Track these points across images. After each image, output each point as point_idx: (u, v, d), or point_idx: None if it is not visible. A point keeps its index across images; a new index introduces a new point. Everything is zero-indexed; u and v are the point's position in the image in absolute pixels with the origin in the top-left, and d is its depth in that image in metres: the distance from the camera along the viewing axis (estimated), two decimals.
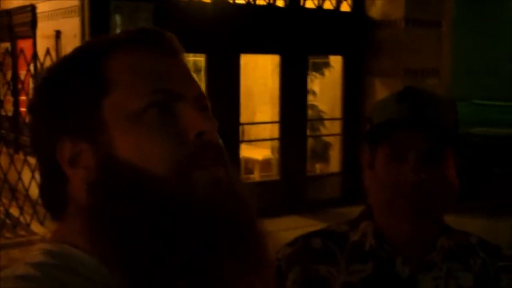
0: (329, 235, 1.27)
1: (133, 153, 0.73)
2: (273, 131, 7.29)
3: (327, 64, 7.49)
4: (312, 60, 7.26)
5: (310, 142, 7.28)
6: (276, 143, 7.20)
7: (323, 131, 7.54)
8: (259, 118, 7.87)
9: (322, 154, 7.51)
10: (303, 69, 6.99)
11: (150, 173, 0.72)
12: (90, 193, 0.74)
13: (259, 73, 7.92)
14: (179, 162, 0.73)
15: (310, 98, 7.37)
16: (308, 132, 7.18)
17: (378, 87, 7.14)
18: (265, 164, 7.57)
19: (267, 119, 7.54)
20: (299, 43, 6.79)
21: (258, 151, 7.62)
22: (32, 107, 0.81)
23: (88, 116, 0.76)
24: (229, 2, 6.33)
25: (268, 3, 6.65)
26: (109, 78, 0.76)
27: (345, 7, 7.07)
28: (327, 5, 7.04)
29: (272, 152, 7.45)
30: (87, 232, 0.74)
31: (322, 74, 7.56)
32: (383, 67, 7.14)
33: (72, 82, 0.78)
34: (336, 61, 7.27)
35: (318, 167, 7.54)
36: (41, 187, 0.81)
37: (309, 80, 7.23)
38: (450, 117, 1.19)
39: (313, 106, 7.53)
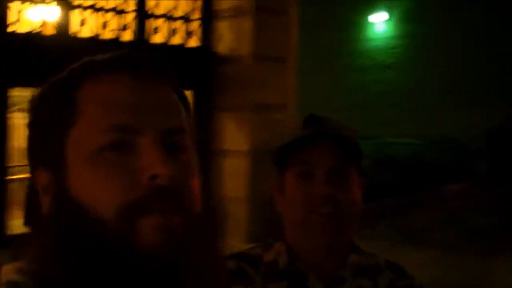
0: (243, 257, 1.34)
1: (83, 191, 0.71)
2: None
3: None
4: None
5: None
6: None
7: None
8: None
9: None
10: None
11: (96, 215, 0.70)
12: (49, 222, 0.74)
13: None
14: (125, 206, 0.70)
15: None
16: None
17: (226, 121, 7.22)
18: None
19: None
20: None
21: None
22: (27, 125, 0.79)
23: (54, 147, 0.74)
24: (70, 36, 6.14)
25: (116, 37, 6.54)
26: (76, 109, 0.74)
27: (192, 43, 7.12)
28: (175, 40, 7.06)
29: None
30: (40, 260, 0.73)
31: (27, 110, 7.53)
32: (231, 102, 7.26)
33: (46, 111, 0.76)
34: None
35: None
36: (25, 202, 0.81)
37: None
38: (353, 136, 1.28)
39: None
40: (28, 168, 0.80)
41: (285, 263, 1.28)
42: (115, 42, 6.67)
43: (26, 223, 0.80)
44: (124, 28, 6.49)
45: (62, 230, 0.72)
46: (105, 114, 0.72)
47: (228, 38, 7.12)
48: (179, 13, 6.94)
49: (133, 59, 0.77)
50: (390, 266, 1.36)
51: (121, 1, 6.40)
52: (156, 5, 6.67)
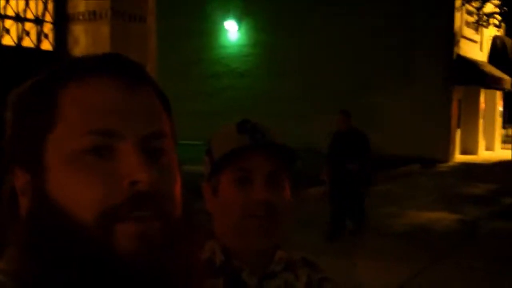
0: None
1: (62, 194, 0.70)
2: None
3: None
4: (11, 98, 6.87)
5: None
6: None
7: None
8: None
9: None
10: (3, 109, 6.58)
11: (74, 218, 0.70)
12: (25, 223, 0.73)
13: None
14: (104, 211, 0.69)
15: None
16: None
17: None
18: None
19: None
20: None
21: None
22: (5, 123, 0.78)
23: (33, 148, 0.73)
24: None
25: None
26: (57, 111, 0.73)
27: (46, 46, 6.87)
28: (27, 43, 6.76)
29: None
30: (18, 259, 0.72)
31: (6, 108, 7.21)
32: None
33: (26, 111, 0.74)
34: None
35: None
36: (2, 207, 0.78)
37: None
38: (284, 142, 1.33)
39: None
40: (5, 167, 0.78)
41: (221, 261, 1.32)
42: None
43: (3, 223, 0.77)
44: None
45: (40, 232, 0.71)
46: (86, 118, 0.71)
47: (84, 42, 6.96)
48: (30, 15, 6.65)
49: (116, 62, 0.75)
50: (305, 261, 1.43)
51: None
52: (5, 6, 6.35)
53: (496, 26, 21.50)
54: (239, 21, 20.92)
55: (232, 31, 21.09)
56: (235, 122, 1.36)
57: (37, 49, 6.83)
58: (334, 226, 8.28)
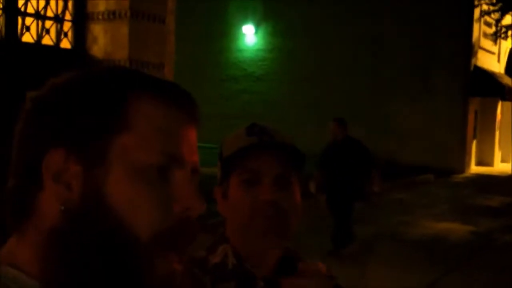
0: (190, 260, 1.29)
1: (121, 203, 0.70)
2: None
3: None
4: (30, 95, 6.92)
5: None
6: None
7: None
8: None
9: None
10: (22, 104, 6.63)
11: (129, 231, 0.70)
12: (63, 216, 0.70)
13: None
14: (161, 232, 0.71)
15: None
16: None
17: None
18: None
19: None
20: (16, 79, 6.43)
21: None
22: (40, 100, 0.75)
23: (95, 143, 0.72)
24: None
25: None
26: (128, 118, 0.73)
27: (65, 44, 6.90)
28: (46, 40, 6.80)
29: None
30: (39, 252, 0.70)
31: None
32: None
33: (93, 101, 0.73)
34: None
35: None
36: (10, 189, 0.74)
37: None
38: (294, 145, 1.32)
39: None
40: (24, 143, 0.74)
41: (234, 264, 1.32)
42: None
43: (11, 207, 0.74)
44: None
45: (85, 229, 0.69)
46: (158, 137, 0.73)
47: (103, 41, 6.99)
48: (50, 12, 6.69)
49: (182, 93, 0.78)
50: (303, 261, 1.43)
51: None
52: (26, 3, 6.39)
53: None
54: (257, 25, 20.94)
55: (249, 35, 21.12)
56: (245, 126, 1.36)
57: (56, 47, 6.87)
58: (341, 235, 7.99)
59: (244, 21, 20.99)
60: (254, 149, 1.29)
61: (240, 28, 21.15)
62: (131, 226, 0.70)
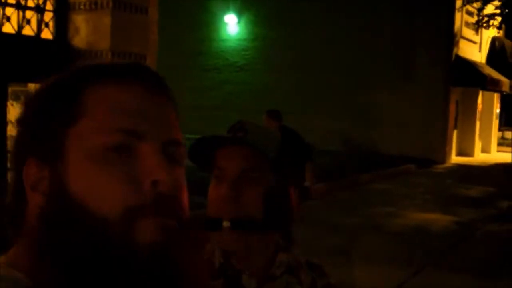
0: None
1: (84, 190, 0.71)
2: None
3: (26, 93, 7.13)
4: (11, 88, 6.84)
5: (9, 175, 6.82)
6: None
7: None
8: None
9: None
10: (2, 97, 6.54)
11: (97, 213, 0.71)
12: (39, 220, 0.73)
13: None
14: (127, 208, 0.71)
15: (10, 128, 6.93)
16: (8, 165, 6.73)
17: None
18: None
19: None
20: None
21: None
22: (18, 119, 0.80)
23: (53, 142, 0.74)
24: None
25: None
26: (81, 108, 0.74)
27: (46, 34, 6.81)
28: (27, 31, 6.71)
29: None
30: (30, 256, 0.73)
31: (22, 102, 7.20)
32: None
33: (49, 103, 0.76)
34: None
35: None
36: (8, 203, 0.79)
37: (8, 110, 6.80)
38: (271, 143, 1.30)
39: (12, 137, 7.09)
40: (12, 164, 0.79)
41: (220, 262, 1.32)
42: None
43: (10, 221, 0.78)
44: None
45: (57, 226, 0.72)
46: (113, 117, 0.74)
47: (85, 32, 6.91)
48: (31, 3, 6.59)
49: (141, 70, 0.79)
50: (310, 265, 1.42)
51: None
52: None
53: (496, 27, 21.48)
54: (239, 14, 20.86)
55: (232, 24, 21.04)
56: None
57: (37, 37, 6.78)
58: None
59: (226, 10, 20.90)
60: (222, 146, 1.30)
61: (222, 17, 21.07)
62: (97, 210, 0.70)
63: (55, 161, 0.74)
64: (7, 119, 6.84)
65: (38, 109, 0.77)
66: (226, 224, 1.25)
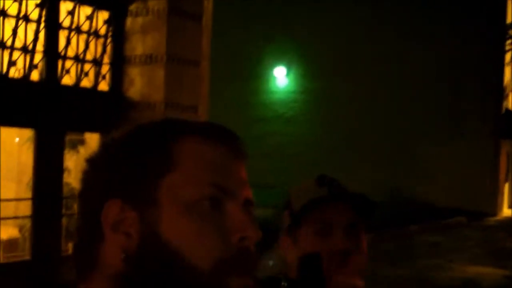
0: None
1: (178, 239, 0.74)
2: (18, 208, 6.94)
3: (82, 142, 7.40)
4: (68, 137, 7.12)
5: (65, 220, 7.04)
6: (24, 222, 6.85)
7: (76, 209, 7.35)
8: (2, 195, 7.43)
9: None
10: (60, 145, 6.81)
11: (190, 263, 0.73)
12: (126, 262, 0.75)
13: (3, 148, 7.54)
14: (221, 261, 0.74)
15: (65, 175, 7.19)
16: (64, 211, 6.95)
17: None
18: (10, 244, 7.14)
19: (11, 196, 7.15)
20: (56, 119, 6.63)
21: (1, 229, 7.15)
22: (94, 160, 0.82)
23: (145, 188, 0.76)
24: None
25: (23, 76, 6.42)
26: (174, 159, 0.78)
27: (103, 86, 7.10)
28: (85, 83, 7.01)
29: (21, 231, 7.05)
30: None
31: (77, 151, 7.46)
32: None
33: (140, 151, 0.79)
34: (92, 138, 7.22)
35: (72, 247, 7.30)
36: (76, 242, 0.81)
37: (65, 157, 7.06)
38: (364, 194, 1.39)
39: (67, 184, 7.34)
40: (84, 203, 0.81)
41: None
42: (24, 81, 6.56)
43: (79, 264, 0.80)
44: (32, 67, 6.36)
45: (148, 269, 0.74)
46: (204, 171, 0.77)
47: (139, 84, 7.17)
48: (89, 56, 6.89)
49: (226, 131, 0.84)
50: None
51: (30, 40, 6.22)
52: (67, 46, 6.60)
53: None
54: (289, 67, 21.13)
55: (281, 77, 21.32)
56: (314, 178, 1.42)
57: (94, 89, 7.07)
58: None
59: (276, 63, 21.20)
60: (326, 200, 1.34)
61: (272, 70, 21.36)
62: (190, 259, 0.73)
63: (147, 206, 0.76)
64: (64, 166, 7.11)
65: (125, 154, 0.80)
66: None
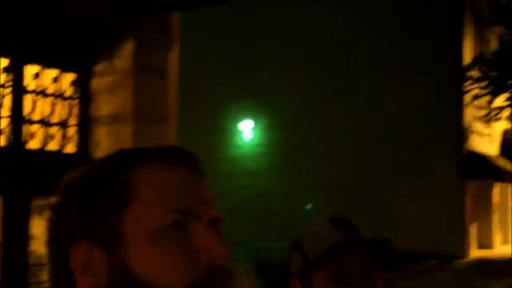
0: None
1: (147, 269, 0.73)
2: None
3: (49, 206, 7.23)
4: (34, 202, 6.93)
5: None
6: None
7: (44, 278, 7.10)
8: None
9: None
10: (26, 211, 6.63)
11: None
12: None
13: None
14: (192, 285, 0.73)
15: (32, 242, 6.97)
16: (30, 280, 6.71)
17: None
18: None
19: None
20: (21, 184, 6.46)
21: None
22: (56, 206, 0.82)
23: (107, 225, 0.76)
24: None
25: None
26: (132, 191, 0.77)
27: (70, 148, 6.97)
28: (51, 146, 6.88)
29: None
30: None
31: (44, 217, 7.28)
32: None
33: (96, 189, 0.78)
34: None
35: None
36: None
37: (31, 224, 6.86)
38: (382, 239, 1.35)
39: (34, 251, 7.10)
40: (52, 251, 0.80)
41: None
42: None
43: None
44: None
45: None
46: (164, 198, 0.76)
47: (106, 144, 7.07)
48: (55, 118, 6.78)
49: (180, 152, 0.82)
50: None
51: None
52: (32, 110, 6.49)
53: (507, 118, 21.65)
54: (255, 119, 21.23)
55: (246, 131, 21.39)
56: (327, 219, 1.38)
57: (60, 152, 6.93)
58: None
59: (241, 117, 21.29)
60: (345, 248, 1.31)
61: (237, 124, 21.43)
62: (162, 286, 0.72)
63: (111, 243, 0.75)
64: (30, 234, 6.90)
65: (83, 194, 0.79)
66: None
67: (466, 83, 19.27)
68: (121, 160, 0.81)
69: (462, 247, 19.32)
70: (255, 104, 20.99)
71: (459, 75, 19.34)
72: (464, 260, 18.62)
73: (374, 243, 1.34)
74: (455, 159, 19.10)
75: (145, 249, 0.74)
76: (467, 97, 19.57)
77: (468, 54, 19.91)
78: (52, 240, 0.81)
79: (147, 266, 0.73)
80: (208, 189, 0.83)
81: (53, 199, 0.83)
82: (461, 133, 19.40)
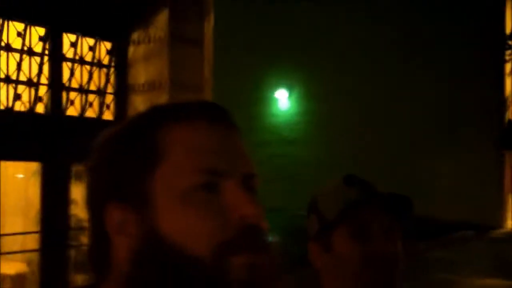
0: None
1: (175, 230, 0.73)
2: (25, 243, 6.91)
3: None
4: (74, 168, 7.11)
5: (72, 252, 7.01)
6: (32, 256, 6.81)
7: (85, 240, 7.32)
8: (8, 229, 7.38)
9: (85, 264, 7.28)
10: (66, 177, 6.81)
11: (189, 252, 0.72)
12: (131, 262, 0.75)
13: (9, 182, 7.52)
14: (219, 244, 0.73)
15: (72, 207, 7.17)
16: (71, 242, 6.93)
17: None
18: (19, 278, 7.09)
19: (18, 230, 7.12)
20: (61, 151, 6.63)
21: (9, 265, 7.09)
22: (90, 167, 0.82)
23: (136, 186, 0.76)
24: None
25: (29, 109, 6.44)
26: (161, 151, 0.76)
27: (107, 116, 7.11)
28: (89, 113, 7.02)
29: (29, 266, 7.01)
30: None
31: (84, 182, 7.45)
32: None
33: (125, 149, 0.78)
34: None
35: (80, 278, 7.25)
36: (89, 248, 0.82)
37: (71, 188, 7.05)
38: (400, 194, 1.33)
39: (74, 216, 7.31)
40: (90, 211, 0.81)
41: None
42: (29, 114, 6.57)
43: (95, 269, 0.80)
44: (36, 100, 6.38)
45: (151, 267, 0.73)
46: (194, 157, 0.75)
47: None
48: (93, 86, 6.91)
49: (211, 108, 0.81)
50: None
51: (35, 74, 6.25)
52: (71, 78, 6.63)
53: None
54: (290, 89, 21.18)
55: (282, 100, 21.36)
56: (340, 178, 1.38)
57: (98, 119, 7.07)
58: None
59: (277, 86, 21.24)
60: (362, 203, 1.29)
61: (273, 93, 21.41)
62: (190, 249, 0.72)
63: (142, 205, 0.75)
64: (71, 198, 7.08)
65: (114, 155, 0.79)
66: None
67: (507, 52, 18.87)
68: (152, 117, 0.80)
69: (499, 218, 19.11)
70: (292, 73, 20.90)
71: (501, 44, 18.94)
72: (501, 231, 18.43)
73: (393, 199, 1.31)
74: (494, 128, 18.82)
75: (174, 210, 0.73)
76: (508, 66, 19.18)
77: (510, 23, 19.47)
78: (89, 201, 0.81)
79: (175, 227, 0.73)
80: (242, 144, 0.81)
81: (89, 160, 0.84)
82: (502, 103, 19.06)
